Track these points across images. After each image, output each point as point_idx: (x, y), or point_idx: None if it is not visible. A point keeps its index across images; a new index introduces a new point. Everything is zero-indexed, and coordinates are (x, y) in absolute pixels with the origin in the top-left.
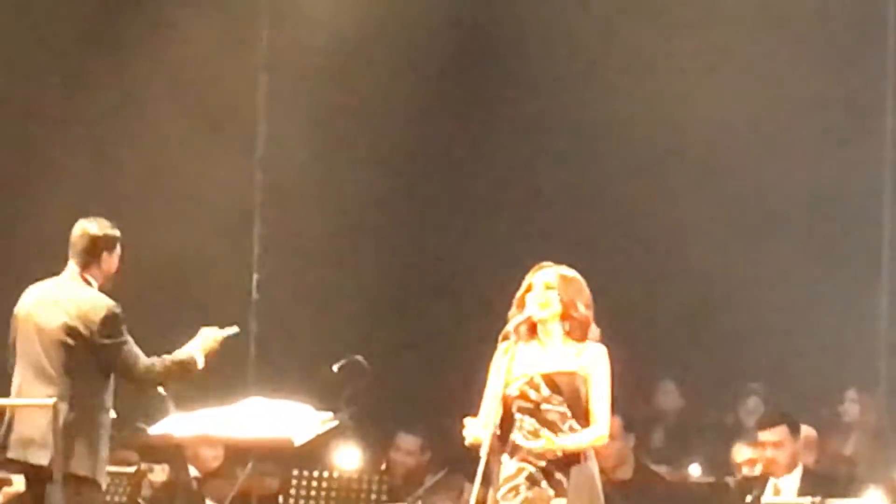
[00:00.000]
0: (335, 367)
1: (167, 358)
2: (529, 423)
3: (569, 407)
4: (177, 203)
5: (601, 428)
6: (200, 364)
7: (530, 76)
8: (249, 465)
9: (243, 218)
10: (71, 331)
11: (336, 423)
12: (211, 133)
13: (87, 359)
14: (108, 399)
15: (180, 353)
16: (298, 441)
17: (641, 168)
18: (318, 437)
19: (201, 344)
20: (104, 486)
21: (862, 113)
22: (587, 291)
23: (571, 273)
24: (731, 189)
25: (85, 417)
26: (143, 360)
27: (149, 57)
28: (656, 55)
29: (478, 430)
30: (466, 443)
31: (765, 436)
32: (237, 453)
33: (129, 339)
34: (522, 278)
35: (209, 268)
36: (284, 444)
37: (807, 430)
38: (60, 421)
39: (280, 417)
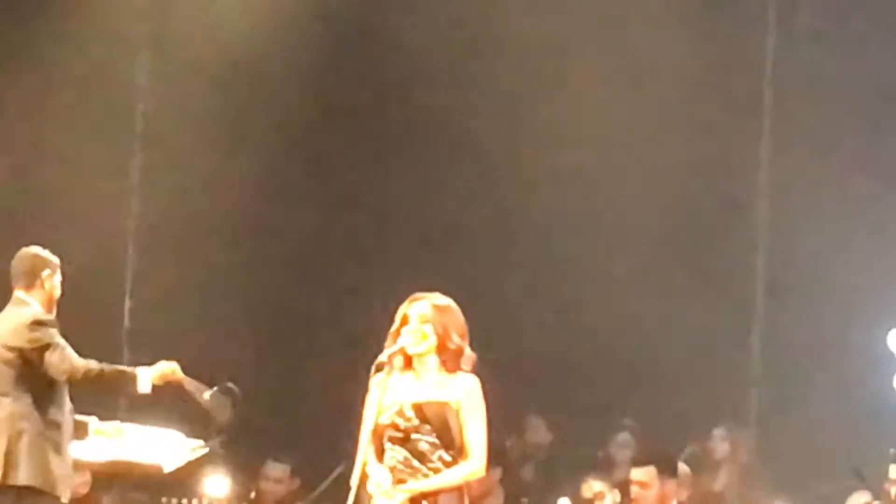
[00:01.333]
0: (206, 395)
1: (107, 365)
2: (400, 452)
3: (438, 437)
4: (53, 226)
5: (475, 462)
6: (142, 386)
7: (420, 105)
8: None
9: (118, 244)
10: (8, 348)
11: (206, 450)
12: (88, 157)
13: (26, 373)
14: (57, 411)
15: (125, 367)
16: (168, 468)
17: (524, 203)
18: (188, 464)
19: (153, 370)
20: (63, 498)
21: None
22: (461, 319)
23: (444, 301)
24: (605, 227)
25: (30, 430)
26: (76, 360)
27: (32, 78)
28: (552, 82)
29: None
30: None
31: (633, 474)
32: (105, 479)
33: (59, 341)
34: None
35: (82, 295)
36: (154, 470)
37: (681, 468)
38: (5, 437)
39: (150, 444)
